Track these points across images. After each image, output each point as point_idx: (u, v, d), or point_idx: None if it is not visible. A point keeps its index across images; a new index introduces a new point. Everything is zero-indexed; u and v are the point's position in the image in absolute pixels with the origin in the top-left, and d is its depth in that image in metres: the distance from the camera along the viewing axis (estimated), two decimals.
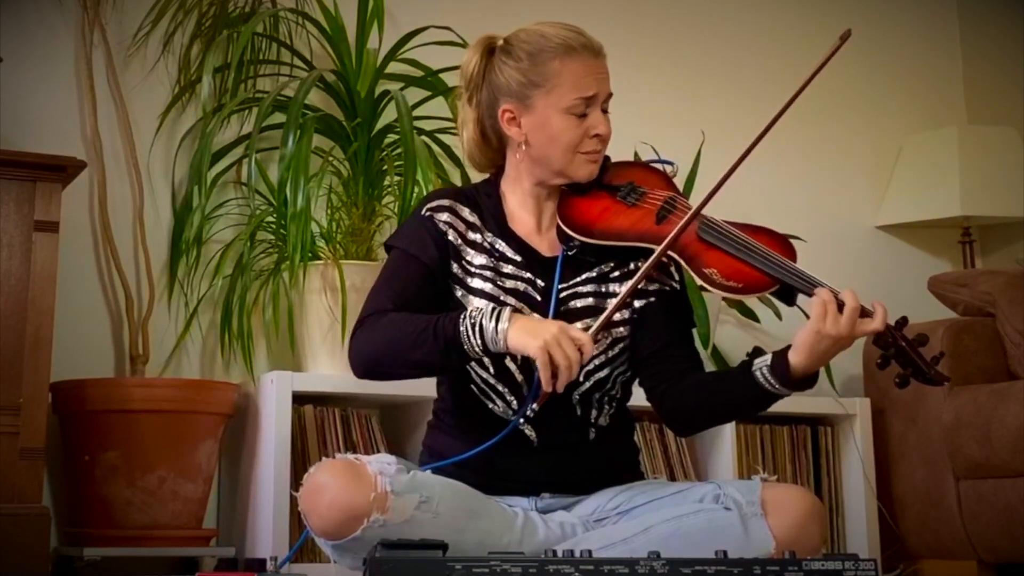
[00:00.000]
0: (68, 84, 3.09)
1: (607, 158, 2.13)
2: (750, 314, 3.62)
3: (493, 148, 2.15)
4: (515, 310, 1.96)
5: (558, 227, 2.08)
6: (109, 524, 2.70)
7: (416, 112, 3.14)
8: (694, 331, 2.18)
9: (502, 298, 2.04)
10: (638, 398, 2.16)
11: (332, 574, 2.69)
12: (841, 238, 4.00)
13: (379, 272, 2.10)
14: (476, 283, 2.06)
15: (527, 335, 1.87)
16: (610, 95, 2.07)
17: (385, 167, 3.08)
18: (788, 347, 1.93)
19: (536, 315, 2.02)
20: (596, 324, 1.96)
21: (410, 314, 1.98)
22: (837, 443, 3.44)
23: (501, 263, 2.07)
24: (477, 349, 1.90)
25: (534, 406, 1.95)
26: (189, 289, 3.08)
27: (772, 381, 1.93)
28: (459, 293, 2.05)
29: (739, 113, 3.74)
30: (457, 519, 1.91)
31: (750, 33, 4.01)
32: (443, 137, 3.24)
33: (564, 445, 2.06)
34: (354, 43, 3.23)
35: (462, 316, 1.91)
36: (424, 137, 3.09)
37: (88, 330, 3.01)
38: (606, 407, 2.09)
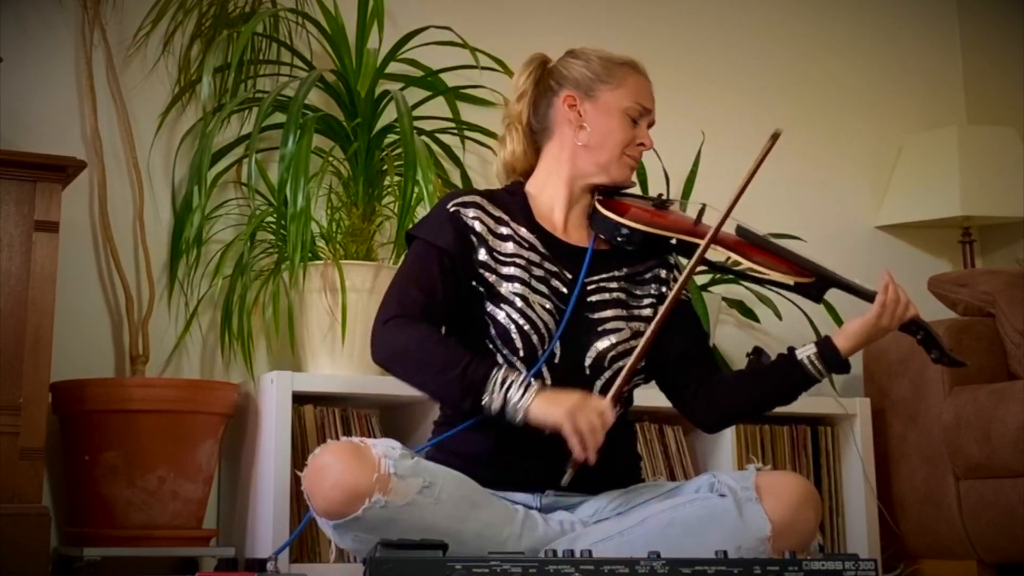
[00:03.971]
0: (68, 84, 3.09)
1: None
2: (750, 314, 3.62)
3: (533, 149, 2.24)
4: (542, 388, 2.00)
5: (605, 220, 2.16)
6: (109, 524, 2.70)
7: (416, 112, 3.14)
8: None
9: (533, 284, 2.09)
10: (639, 399, 2.16)
11: (332, 574, 2.69)
12: (840, 238, 3.99)
13: (402, 261, 2.15)
14: (508, 271, 2.10)
15: (551, 404, 1.95)
16: (654, 121, 2.24)
17: (385, 167, 3.08)
18: (827, 337, 2.08)
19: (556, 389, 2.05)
20: (617, 384, 2.04)
21: (446, 339, 2.04)
22: (837, 443, 3.43)
23: (531, 252, 2.13)
24: (496, 404, 1.95)
25: (566, 478, 2.02)
26: (189, 289, 3.08)
27: (820, 367, 2.08)
28: (492, 279, 2.09)
29: (739, 113, 3.73)
30: (459, 508, 1.93)
31: (750, 34, 4.01)
32: (443, 137, 3.25)
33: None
34: (354, 43, 3.23)
35: (495, 368, 1.97)
36: (424, 137, 3.09)
37: (88, 330, 3.01)
38: (617, 408, 2.10)
